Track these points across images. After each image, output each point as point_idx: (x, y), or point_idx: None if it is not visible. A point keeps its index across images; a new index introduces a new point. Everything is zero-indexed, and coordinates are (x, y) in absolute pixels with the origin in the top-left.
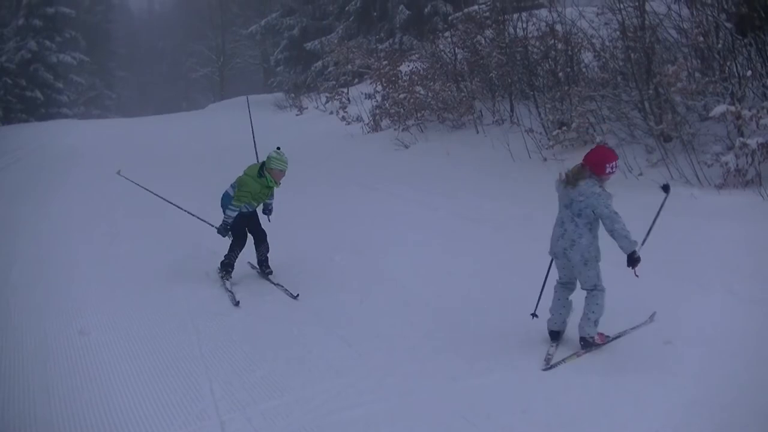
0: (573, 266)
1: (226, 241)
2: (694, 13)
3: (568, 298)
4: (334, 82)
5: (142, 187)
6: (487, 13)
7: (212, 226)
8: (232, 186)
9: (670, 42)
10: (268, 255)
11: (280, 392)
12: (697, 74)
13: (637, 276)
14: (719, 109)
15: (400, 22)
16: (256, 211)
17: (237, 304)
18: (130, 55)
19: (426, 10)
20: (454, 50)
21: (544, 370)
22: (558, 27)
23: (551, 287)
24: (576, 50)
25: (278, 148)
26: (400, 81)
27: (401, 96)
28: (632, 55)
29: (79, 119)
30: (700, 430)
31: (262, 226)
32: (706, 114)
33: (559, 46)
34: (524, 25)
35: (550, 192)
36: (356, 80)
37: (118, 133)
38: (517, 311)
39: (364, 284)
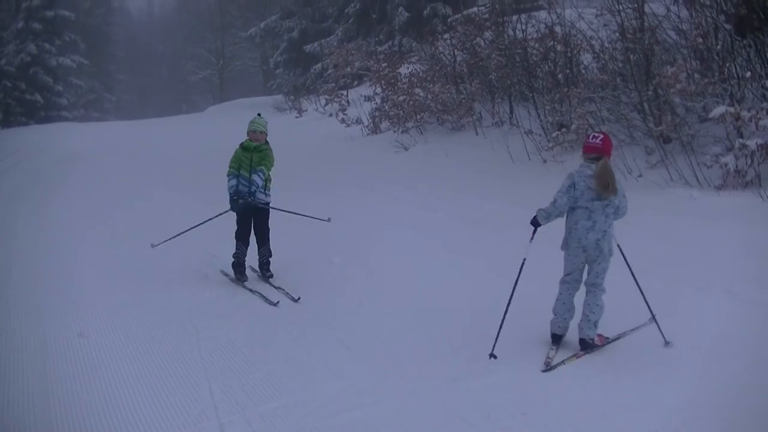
0: (601, 258)
1: (225, 244)
2: (693, 14)
3: (573, 301)
4: (333, 85)
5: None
6: (487, 15)
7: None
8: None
9: (669, 43)
10: (270, 259)
11: (280, 394)
12: (696, 75)
13: None
14: (718, 110)
15: (400, 24)
16: (261, 208)
17: (277, 303)
18: (129, 57)
19: (425, 12)
20: (454, 52)
21: (544, 371)
22: (557, 29)
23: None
24: (575, 52)
25: (258, 114)
26: (399, 83)
27: (401, 98)
28: (631, 56)
29: (79, 122)
30: (700, 431)
31: (268, 225)
32: (705, 115)
33: (559, 47)
34: (523, 27)
35: (549, 193)
36: (356, 82)
37: (118, 136)
38: (516, 313)
39: (363, 286)
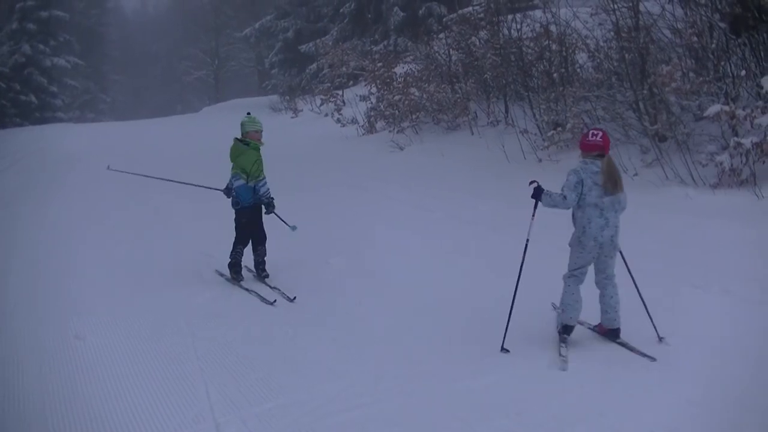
0: (614, 252)
1: (221, 244)
2: (688, 13)
3: (581, 293)
4: (328, 85)
5: (135, 173)
6: (482, 15)
7: (217, 189)
8: (235, 177)
9: (664, 42)
10: (265, 259)
11: (276, 394)
12: (691, 74)
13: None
14: (713, 108)
15: (395, 24)
16: (261, 209)
17: (274, 302)
18: (124, 58)
19: (420, 11)
20: (449, 52)
21: (564, 370)
22: (552, 28)
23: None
24: (570, 51)
25: (248, 113)
26: (394, 83)
27: (396, 98)
28: (627, 55)
29: (74, 123)
30: (695, 430)
31: (264, 228)
32: (700, 114)
33: (554, 46)
34: (519, 26)
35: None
36: (351, 82)
37: (113, 137)
38: (513, 313)
39: (359, 286)
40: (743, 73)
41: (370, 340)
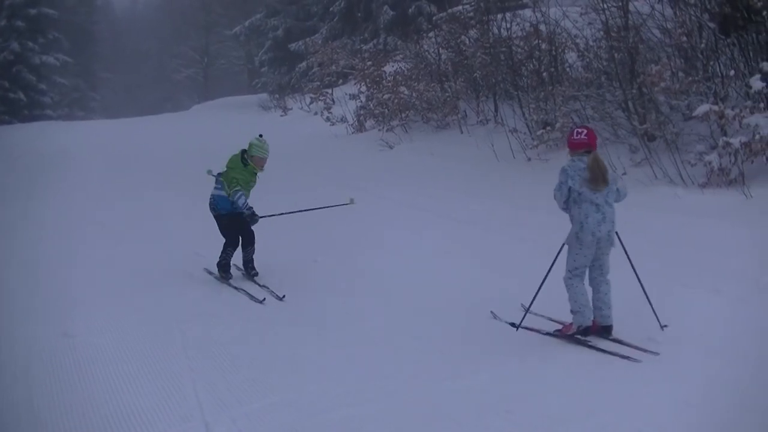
0: (610, 247)
1: (211, 243)
2: (678, 13)
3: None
4: (318, 83)
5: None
6: (471, 14)
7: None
8: (218, 187)
9: (653, 42)
10: (253, 257)
11: (265, 393)
12: (680, 74)
13: None
14: (702, 108)
15: (385, 23)
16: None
17: (263, 300)
18: (114, 56)
19: (410, 10)
20: (438, 50)
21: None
22: (542, 27)
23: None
24: (560, 50)
25: (260, 135)
26: (384, 81)
27: (385, 96)
28: (616, 55)
29: (63, 121)
30: (685, 429)
31: (251, 228)
32: (689, 113)
33: (543, 46)
34: (508, 25)
35: (534, 191)
36: (340, 81)
37: (103, 135)
38: (503, 312)
39: (349, 285)
40: (732, 72)
41: (360, 339)
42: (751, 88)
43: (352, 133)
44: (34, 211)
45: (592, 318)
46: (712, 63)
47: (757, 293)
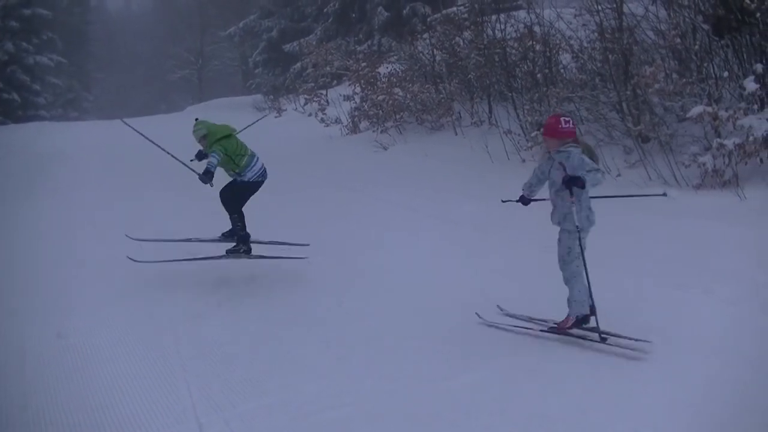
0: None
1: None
2: (672, 14)
3: None
4: (312, 84)
5: (142, 134)
6: (466, 15)
7: (195, 171)
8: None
9: (647, 43)
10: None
11: (259, 394)
12: (674, 75)
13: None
14: (696, 110)
15: (379, 24)
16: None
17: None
18: (108, 57)
19: (404, 11)
20: (433, 52)
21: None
22: (536, 28)
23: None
24: (554, 52)
25: (196, 119)
26: (378, 83)
27: (380, 98)
28: (610, 56)
29: (57, 121)
30: (679, 427)
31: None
32: (683, 115)
33: (538, 47)
34: (503, 27)
35: None
36: (335, 82)
37: (97, 136)
38: (497, 311)
39: (343, 286)
40: (726, 74)
41: (354, 339)
42: (744, 89)
43: (347, 134)
44: (28, 211)
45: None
46: (705, 64)
47: (751, 294)
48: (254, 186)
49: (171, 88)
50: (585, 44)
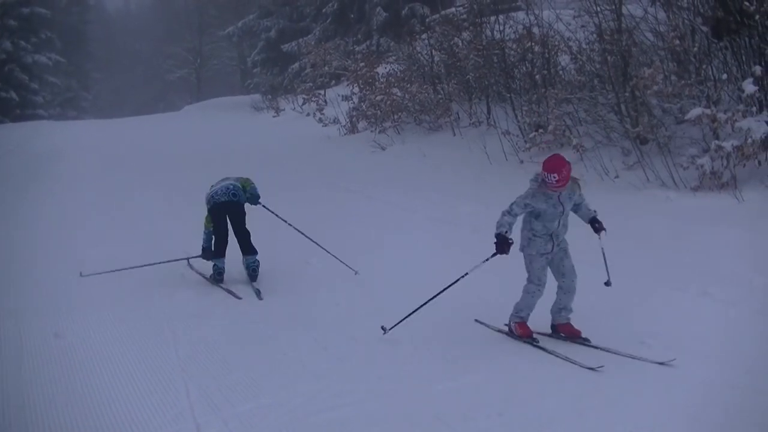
0: None
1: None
2: (671, 16)
3: None
4: (311, 84)
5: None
6: (464, 16)
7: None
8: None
9: (646, 45)
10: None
11: (256, 395)
12: (673, 77)
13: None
14: (695, 112)
15: (377, 24)
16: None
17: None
18: (106, 56)
19: (403, 12)
20: (431, 52)
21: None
22: (535, 30)
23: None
24: (553, 53)
25: None
26: (377, 83)
27: (378, 98)
28: (609, 57)
29: (55, 121)
30: (675, 430)
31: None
32: (681, 117)
33: (536, 48)
34: (501, 28)
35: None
36: (333, 82)
37: (95, 135)
38: (494, 314)
39: (340, 287)
40: (725, 76)
41: (351, 340)
42: (743, 91)
43: (345, 134)
44: (26, 210)
45: None
46: (704, 66)
47: (748, 296)
48: (213, 210)
49: (169, 88)
50: (584, 45)
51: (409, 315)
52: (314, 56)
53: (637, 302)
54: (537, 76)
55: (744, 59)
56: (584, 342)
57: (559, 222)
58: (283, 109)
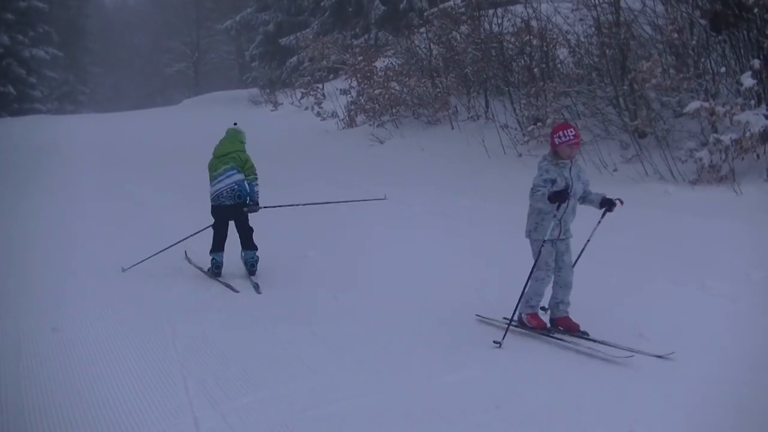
0: None
1: (201, 237)
2: (669, 9)
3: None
4: (309, 78)
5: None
6: (463, 9)
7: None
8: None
9: (644, 38)
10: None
11: (255, 389)
12: (671, 71)
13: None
14: (693, 105)
15: (376, 18)
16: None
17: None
18: (104, 50)
19: (401, 5)
20: (430, 46)
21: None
22: (533, 23)
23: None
24: (551, 46)
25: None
26: (375, 77)
27: (376, 92)
28: (607, 51)
29: (53, 115)
30: (674, 425)
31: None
32: (680, 110)
33: (535, 42)
34: (499, 21)
35: (525, 187)
36: (331, 76)
37: (92, 129)
38: (492, 308)
39: (338, 281)
40: (723, 69)
41: (349, 334)
42: (741, 85)
43: (343, 128)
44: (24, 204)
45: None
46: (703, 60)
47: (746, 290)
48: (218, 210)
49: (167, 82)
50: (582, 39)
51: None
52: (312, 50)
53: (635, 295)
54: (535, 70)
55: (742, 52)
56: (582, 335)
57: (568, 201)
58: (282, 103)
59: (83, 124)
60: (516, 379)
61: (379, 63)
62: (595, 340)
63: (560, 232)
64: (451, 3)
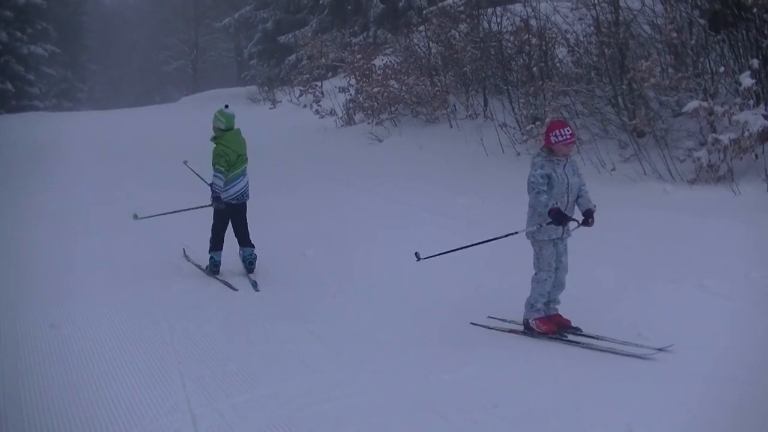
0: None
1: (200, 235)
2: (668, 9)
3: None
4: (307, 76)
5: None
6: (462, 8)
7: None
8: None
9: (643, 38)
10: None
11: (252, 386)
12: (670, 70)
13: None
14: (692, 104)
15: (375, 16)
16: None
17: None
18: (102, 47)
19: (400, 4)
20: (428, 44)
21: None
22: (532, 22)
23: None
24: (550, 45)
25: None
26: (373, 75)
27: (375, 90)
28: (606, 50)
29: (51, 112)
30: (673, 424)
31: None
32: (678, 110)
33: (534, 41)
34: (499, 20)
35: (523, 186)
36: (330, 74)
37: (91, 126)
38: (490, 306)
39: (336, 279)
40: (722, 69)
41: (347, 332)
42: (740, 84)
43: (342, 126)
44: (22, 202)
45: None
46: (701, 59)
47: (744, 289)
48: (228, 208)
49: (165, 79)
50: (581, 38)
51: (445, 253)
52: (311, 48)
53: (633, 294)
54: (534, 69)
55: (741, 52)
56: (575, 331)
57: (567, 197)
58: (280, 101)
59: (81, 121)
60: (514, 376)
61: (378, 61)
62: (589, 336)
63: (562, 231)
64: (450, 1)
